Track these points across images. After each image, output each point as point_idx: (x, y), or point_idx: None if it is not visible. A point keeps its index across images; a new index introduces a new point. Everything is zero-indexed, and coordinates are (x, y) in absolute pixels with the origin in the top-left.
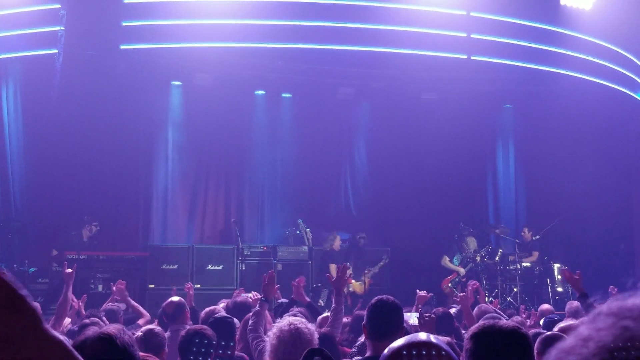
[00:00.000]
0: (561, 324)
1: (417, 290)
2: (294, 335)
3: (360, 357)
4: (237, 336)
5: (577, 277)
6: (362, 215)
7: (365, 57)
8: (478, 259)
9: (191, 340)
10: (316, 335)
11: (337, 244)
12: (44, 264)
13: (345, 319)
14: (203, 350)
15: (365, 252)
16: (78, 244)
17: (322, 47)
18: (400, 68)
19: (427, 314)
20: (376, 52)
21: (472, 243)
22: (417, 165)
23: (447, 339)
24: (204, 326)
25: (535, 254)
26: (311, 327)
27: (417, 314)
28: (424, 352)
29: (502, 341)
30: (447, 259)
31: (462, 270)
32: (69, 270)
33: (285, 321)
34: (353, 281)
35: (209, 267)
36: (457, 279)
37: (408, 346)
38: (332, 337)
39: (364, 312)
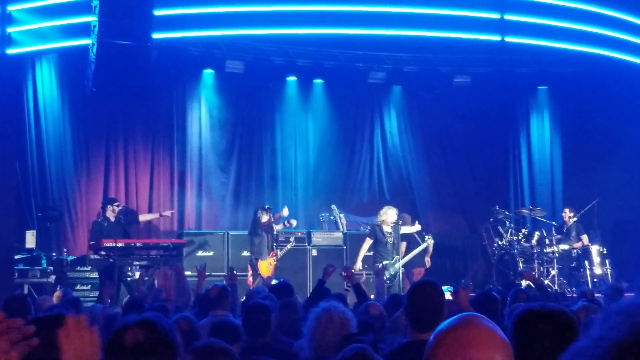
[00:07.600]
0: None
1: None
2: (328, 321)
3: (402, 341)
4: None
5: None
6: (396, 200)
7: (396, 41)
8: (506, 242)
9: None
10: (352, 320)
11: None
12: (82, 252)
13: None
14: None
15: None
16: (108, 227)
17: (353, 32)
18: (431, 51)
19: (462, 286)
20: (407, 35)
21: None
22: (449, 148)
23: None
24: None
25: (585, 237)
26: (347, 312)
27: (450, 287)
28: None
29: (550, 325)
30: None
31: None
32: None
33: (320, 307)
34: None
35: (244, 253)
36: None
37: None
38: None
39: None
